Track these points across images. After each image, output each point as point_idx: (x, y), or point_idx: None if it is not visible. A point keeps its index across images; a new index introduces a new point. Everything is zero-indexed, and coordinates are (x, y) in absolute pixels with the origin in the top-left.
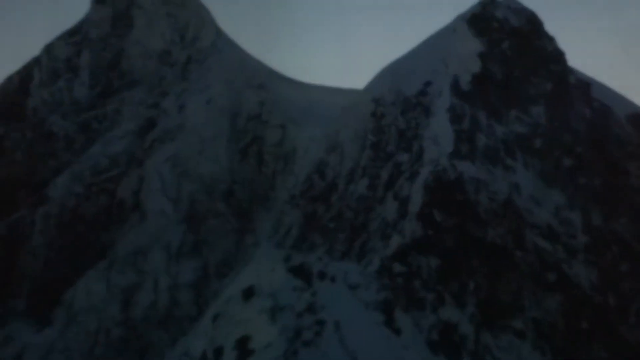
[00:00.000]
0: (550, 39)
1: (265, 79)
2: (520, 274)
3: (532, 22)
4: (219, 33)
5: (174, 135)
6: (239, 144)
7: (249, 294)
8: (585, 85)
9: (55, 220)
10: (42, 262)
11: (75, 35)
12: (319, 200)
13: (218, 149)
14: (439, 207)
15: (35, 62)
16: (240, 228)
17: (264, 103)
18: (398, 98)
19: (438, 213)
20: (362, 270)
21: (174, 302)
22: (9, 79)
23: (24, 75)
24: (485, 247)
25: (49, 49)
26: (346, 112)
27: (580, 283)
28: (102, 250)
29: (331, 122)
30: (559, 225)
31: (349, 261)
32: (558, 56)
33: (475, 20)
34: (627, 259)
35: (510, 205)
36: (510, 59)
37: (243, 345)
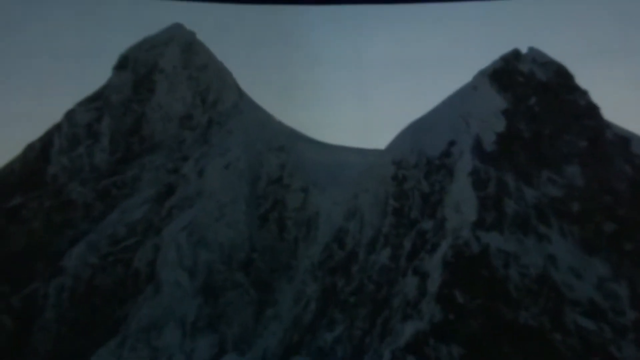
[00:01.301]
0: (583, 93)
1: (286, 141)
2: (561, 359)
3: (561, 75)
4: (240, 95)
5: (192, 202)
6: (259, 210)
7: None
8: (624, 140)
9: (69, 292)
10: (54, 337)
11: (96, 101)
12: (338, 271)
13: (237, 215)
14: (462, 286)
15: (56, 128)
16: (260, 299)
17: (284, 166)
18: (420, 160)
19: (460, 293)
20: None
21: None
22: (30, 147)
23: (45, 142)
24: (518, 331)
25: (69, 115)
26: (365, 175)
27: None
28: (115, 325)
29: (351, 186)
30: (604, 300)
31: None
32: (592, 110)
33: (497, 76)
34: None
35: (546, 280)
36: (538, 115)
37: None
